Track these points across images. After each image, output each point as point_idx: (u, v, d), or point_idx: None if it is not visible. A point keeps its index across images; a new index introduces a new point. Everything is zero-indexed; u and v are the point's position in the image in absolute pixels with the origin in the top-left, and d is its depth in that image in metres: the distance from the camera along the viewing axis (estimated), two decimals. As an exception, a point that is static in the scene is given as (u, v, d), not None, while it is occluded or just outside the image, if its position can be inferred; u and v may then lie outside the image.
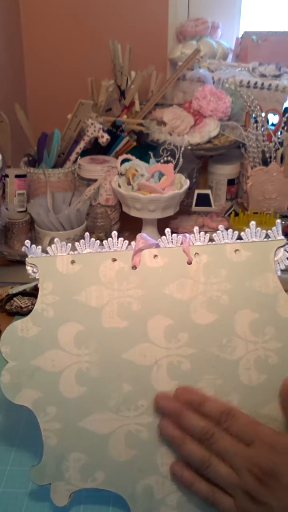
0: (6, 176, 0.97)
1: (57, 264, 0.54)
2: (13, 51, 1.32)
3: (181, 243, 0.54)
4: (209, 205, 1.05)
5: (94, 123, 1.06)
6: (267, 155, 1.05)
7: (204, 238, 0.54)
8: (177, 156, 0.98)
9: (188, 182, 0.96)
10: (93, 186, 0.98)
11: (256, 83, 1.14)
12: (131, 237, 0.58)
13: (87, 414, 0.50)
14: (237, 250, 0.53)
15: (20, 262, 0.95)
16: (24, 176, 0.99)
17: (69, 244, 0.55)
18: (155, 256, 0.54)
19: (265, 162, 1.05)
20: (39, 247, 0.56)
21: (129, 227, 0.99)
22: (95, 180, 0.99)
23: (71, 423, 0.50)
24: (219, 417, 0.47)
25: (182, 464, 0.49)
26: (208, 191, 1.05)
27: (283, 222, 1.03)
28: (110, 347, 0.51)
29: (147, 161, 0.99)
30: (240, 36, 1.31)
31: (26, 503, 0.52)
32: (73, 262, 0.54)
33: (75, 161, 1.07)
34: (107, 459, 0.50)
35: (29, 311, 0.79)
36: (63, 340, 0.51)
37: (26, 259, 0.55)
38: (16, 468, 0.55)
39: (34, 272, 0.54)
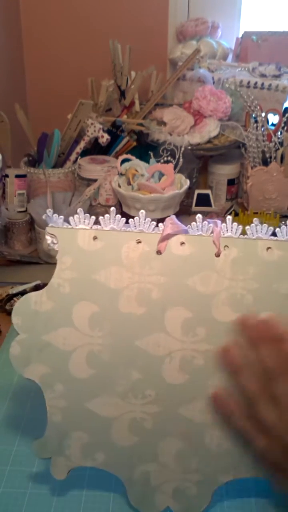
0: (6, 176, 0.97)
1: (78, 238, 0.51)
2: (13, 51, 1.32)
3: (211, 232, 0.51)
4: (209, 205, 1.04)
5: (94, 123, 1.06)
6: (267, 155, 1.05)
7: (237, 229, 0.51)
8: (177, 156, 0.98)
9: (188, 182, 0.96)
10: (93, 186, 0.98)
11: (256, 83, 1.14)
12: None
13: (94, 396, 0.50)
14: (269, 248, 0.50)
15: (20, 262, 0.95)
16: (24, 176, 0.99)
17: (93, 217, 0.51)
18: (182, 243, 0.50)
19: (265, 162, 1.05)
20: (61, 216, 0.51)
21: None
22: (95, 180, 0.99)
23: (77, 402, 0.50)
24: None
25: (224, 395, 0.47)
26: (208, 191, 1.05)
27: (283, 222, 1.04)
28: (124, 333, 0.50)
29: (147, 161, 0.99)
30: (240, 36, 1.31)
31: (26, 503, 0.52)
32: (95, 238, 0.50)
33: (75, 161, 1.07)
34: (109, 442, 0.50)
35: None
36: (77, 319, 0.50)
37: (46, 228, 0.51)
38: (16, 468, 0.55)
39: (53, 243, 0.51)
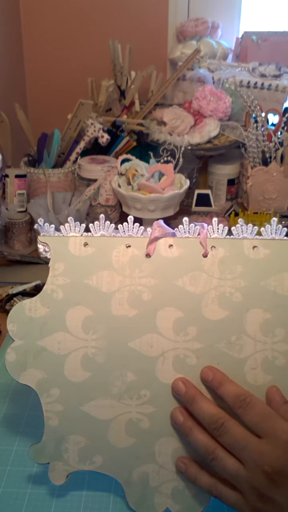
0: (6, 176, 0.97)
1: (69, 245, 0.52)
2: (13, 51, 1.32)
3: (198, 234, 0.52)
4: (209, 205, 1.04)
5: (94, 123, 1.06)
6: (267, 155, 1.05)
7: (223, 230, 0.52)
8: (177, 156, 0.98)
9: (188, 182, 0.96)
10: (93, 186, 0.98)
11: (256, 83, 1.14)
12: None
13: (90, 399, 0.50)
14: (255, 246, 0.52)
15: (20, 262, 0.95)
16: (24, 176, 0.99)
17: (83, 225, 0.53)
18: (170, 245, 0.52)
19: (265, 162, 1.05)
20: (52, 225, 0.54)
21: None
22: (95, 180, 0.99)
23: (73, 406, 0.50)
24: (234, 402, 0.46)
25: (188, 459, 0.49)
26: (208, 191, 1.05)
27: (283, 222, 1.04)
28: (117, 335, 0.51)
29: (147, 161, 0.99)
30: (240, 36, 1.31)
31: (26, 503, 0.52)
32: (86, 244, 0.52)
33: (75, 161, 1.07)
34: (106, 444, 0.50)
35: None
36: (71, 323, 0.51)
37: (38, 237, 0.53)
38: (16, 468, 0.55)
39: (45, 252, 0.53)
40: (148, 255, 0.52)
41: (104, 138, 1.06)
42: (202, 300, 0.51)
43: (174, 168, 0.96)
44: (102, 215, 0.53)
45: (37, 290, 0.83)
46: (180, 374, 0.50)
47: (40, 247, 0.53)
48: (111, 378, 0.50)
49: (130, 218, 0.53)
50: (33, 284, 0.84)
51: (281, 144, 1.04)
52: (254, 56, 1.24)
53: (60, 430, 0.50)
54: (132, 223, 0.53)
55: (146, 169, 0.97)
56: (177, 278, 0.51)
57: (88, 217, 0.99)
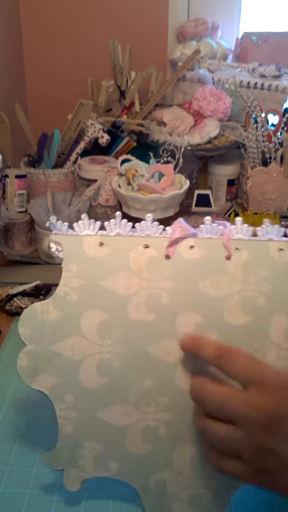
0: (6, 176, 0.97)
1: (84, 245, 0.50)
2: (13, 51, 1.32)
3: (221, 234, 0.50)
4: (209, 205, 1.04)
5: (94, 124, 1.06)
6: (267, 155, 1.05)
7: (247, 231, 0.50)
8: (177, 157, 0.98)
9: (188, 182, 0.96)
10: (93, 187, 0.98)
11: (256, 83, 1.14)
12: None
13: (106, 406, 0.49)
14: (282, 249, 0.49)
15: (20, 262, 0.95)
16: (24, 176, 0.99)
17: (98, 222, 0.50)
18: (192, 246, 0.49)
19: (265, 163, 1.05)
20: (65, 223, 0.51)
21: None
22: (95, 181, 0.99)
23: (88, 413, 0.49)
24: (216, 357, 0.44)
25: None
26: (208, 192, 1.06)
27: (283, 223, 1.04)
28: (134, 340, 0.49)
29: (147, 162, 0.99)
30: (240, 36, 1.31)
31: (26, 503, 0.52)
32: (101, 244, 0.50)
33: (75, 162, 1.07)
34: (122, 451, 0.49)
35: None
36: (86, 327, 0.49)
37: (51, 236, 0.50)
38: (16, 468, 0.55)
39: (58, 251, 0.50)
40: (167, 257, 0.49)
41: (104, 139, 1.06)
42: (224, 305, 0.49)
43: (174, 169, 0.96)
44: (118, 213, 0.50)
45: (37, 290, 0.83)
46: None
47: (52, 247, 0.50)
48: (128, 384, 0.49)
49: (149, 217, 0.50)
50: (33, 284, 0.84)
51: (281, 144, 1.04)
52: (254, 57, 1.24)
53: (75, 437, 0.49)
54: (150, 221, 0.50)
55: (146, 169, 0.97)
56: (198, 281, 0.49)
57: (88, 217, 0.99)
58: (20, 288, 0.83)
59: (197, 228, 0.50)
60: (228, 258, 0.49)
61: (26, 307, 0.79)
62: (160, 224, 0.51)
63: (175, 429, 0.49)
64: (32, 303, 0.80)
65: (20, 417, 0.62)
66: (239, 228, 0.50)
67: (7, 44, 1.28)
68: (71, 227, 0.51)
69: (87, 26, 1.32)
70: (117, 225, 0.50)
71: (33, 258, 0.97)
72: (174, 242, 0.49)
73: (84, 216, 0.50)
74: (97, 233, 0.50)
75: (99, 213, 1.00)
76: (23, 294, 0.83)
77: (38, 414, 0.62)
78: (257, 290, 0.49)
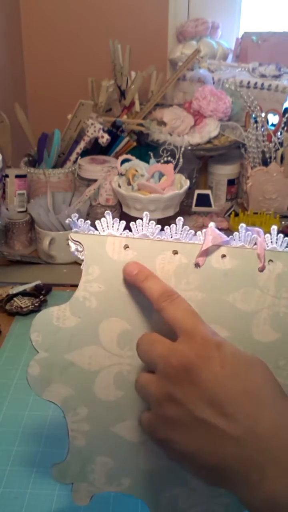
0: (6, 176, 0.97)
1: (107, 247, 0.45)
2: (13, 51, 1.32)
3: (255, 244, 0.46)
4: (209, 205, 1.05)
5: (94, 123, 1.06)
6: (267, 155, 1.05)
7: (282, 242, 0.46)
8: (177, 156, 0.98)
9: (188, 182, 0.96)
10: (93, 186, 0.98)
11: (256, 83, 1.14)
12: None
13: (121, 420, 0.46)
14: None
15: (20, 262, 0.95)
16: (24, 176, 0.99)
17: (123, 222, 0.46)
18: (223, 256, 0.46)
19: (265, 163, 1.05)
20: (88, 221, 0.46)
21: (129, 227, 1.00)
22: (95, 180, 0.99)
23: (102, 426, 0.46)
24: (159, 296, 0.42)
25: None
26: (208, 191, 1.06)
27: (283, 223, 1.04)
28: None
29: (147, 161, 0.99)
30: (240, 36, 1.31)
31: (26, 503, 0.52)
32: (126, 247, 0.45)
33: (75, 161, 1.07)
34: (136, 466, 0.47)
35: (29, 311, 0.80)
36: (105, 337, 0.45)
37: (70, 234, 0.46)
38: (16, 468, 0.55)
39: (78, 251, 0.45)
40: (197, 265, 0.46)
41: (104, 138, 1.06)
42: (253, 320, 0.46)
43: (174, 168, 0.96)
44: (146, 213, 0.46)
45: (37, 290, 0.83)
46: None
47: (72, 246, 0.45)
48: None
49: (180, 219, 0.46)
50: (33, 284, 0.84)
51: (281, 144, 1.04)
52: (254, 57, 1.24)
53: (87, 451, 0.47)
54: (181, 225, 0.46)
55: (146, 169, 0.97)
56: (228, 294, 0.46)
57: (88, 217, 0.99)
58: (20, 288, 0.83)
59: (230, 236, 0.46)
60: (261, 270, 0.46)
61: (26, 307, 0.80)
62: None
63: None
64: (32, 303, 0.81)
65: (20, 417, 0.62)
66: (274, 238, 0.47)
67: (7, 44, 1.28)
68: (93, 225, 0.46)
69: (87, 26, 1.32)
70: (144, 227, 0.46)
71: (33, 258, 0.97)
72: (207, 251, 0.46)
73: (107, 213, 0.46)
74: (121, 233, 0.46)
75: (99, 213, 1.00)
76: (23, 294, 0.83)
77: (38, 413, 0.62)
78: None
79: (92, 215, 1.00)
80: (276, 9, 1.36)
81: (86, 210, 0.97)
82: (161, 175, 0.96)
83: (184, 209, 1.03)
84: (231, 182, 1.12)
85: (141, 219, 0.47)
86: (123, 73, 1.17)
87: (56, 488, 0.53)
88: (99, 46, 1.26)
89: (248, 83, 1.15)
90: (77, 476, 0.47)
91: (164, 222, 0.85)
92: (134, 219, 0.47)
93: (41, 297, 0.82)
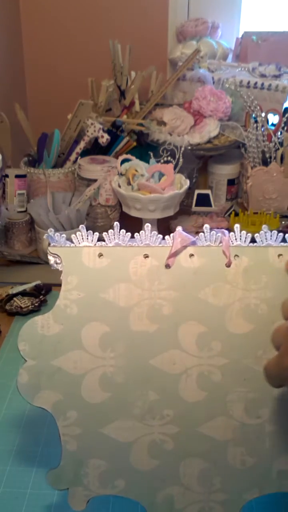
0: (6, 176, 0.97)
1: (83, 257, 0.49)
2: (13, 51, 1.32)
3: (220, 242, 0.49)
4: (209, 205, 1.05)
5: (94, 123, 1.06)
6: (267, 155, 1.05)
7: (245, 238, 0.50)
8: (177, 156, 0.98)
9: (188, 182, 0.96)
10: (93, 186, 0.98)
11: (256, 83, 1.14)
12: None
13: (110, 421, 0.48)
14: (281, 255, 0.48)
15: (20, 262, 0.95)
16: (24, 176, 0.99)
17: (96, 233, 0.50)
18: (191, 255, 0.49)
19: (265, 162, 1.05)
20: (63, 235, 0.50)
21: (129, 227, 1.00)
22: (95, 180, 0.99)
23: (92, 429, 0.48)
24: None
25: None
26: (208, 191, 1.06)
27: (283, 222, 1.04)
28: (137, 352, 0.48)
29: (147, 161, 0.99)
30: (240, 36, 1.31)
31: (26, 503, 0.52)
32: (100, 255, 0.49)
33: (75, 161, 1.07)
34: (128, 467, 0.48)
35: (29, 311, 0.80)
36: (87, 341, 0.48)
37: (49, 248, 0.49)
38: (16, 468, 0.55)
39: (57, 263, 0.49)
40: (167, 266, 0.49)
41: (104, 138, 1.06)
42: (226, 313, 0.48)
43: (174, 168, 0.96)
44: (116, 223, 0.50)
45: (37, 290, 0.83)
46: (204, 391, 0.48)
47: (51, 259, 0.50)
48: (132, 398, 0.48)
49: (147, 226, 0.50)
50: (33, 284, 0.84)
51: (281, 144, 1.04)
52: (254, 56, 1.24)
53: (79, 454, 0.48)
54: (149, 230, 0.50)
55: (146, 169, 0.97)
56: (199, 290, 0.48)
57: (88, 217, 0.99)
58: (20, 288, 0.83)
59: (196, 237, 0.50)
60: (228, 265, 0.49)
61: (26, 307, 0.80)
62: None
63: (182, 442, 0.48)
64: (32, 303, 0.81)
65: (20, 417, 0.62)
66: (237, 235, 0.50)
67: (7, 44, 1.28)
68: (69, 239, 0.50)
69: (87, 26, 1.32)
70: (116, 236, 0.50)
71: (33, 258, 0.97)
72: (175, 254, 0.49)
73: (82, 227, 0.50)
74: (95, 244, 0.49)
75: (99, 213, 1.00)
76: (23, 294, 0.83)
77: (38, 413, 0.62)
78: (258, 297, 0.48)
79: (92, 215, 1.00)
80: (276, 9, 1.36)
81: (86, 210, 0.97)
82: (161, 175, 0.96)
83: (184, 209, 1.03)
84: (231, 182, 1.12)
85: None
86: (123, 73, 1.17)
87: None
88: (99, 46, 1.26)
89: (248, 83, 1.15)
90: (72, 481, 0.48)
91: (164, 222, 0.85)
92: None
93: (41, 297, 0.82)
